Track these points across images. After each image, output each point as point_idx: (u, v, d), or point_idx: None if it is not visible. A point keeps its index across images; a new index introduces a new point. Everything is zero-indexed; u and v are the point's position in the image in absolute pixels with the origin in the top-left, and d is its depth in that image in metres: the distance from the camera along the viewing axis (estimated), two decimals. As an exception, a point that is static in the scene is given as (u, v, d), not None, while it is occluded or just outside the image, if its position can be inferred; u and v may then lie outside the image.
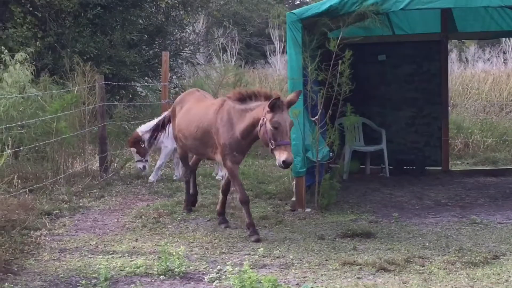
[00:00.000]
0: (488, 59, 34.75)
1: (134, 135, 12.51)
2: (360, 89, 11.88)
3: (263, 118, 8.40)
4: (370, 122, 14.07)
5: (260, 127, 8.46)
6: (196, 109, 9.62)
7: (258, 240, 8.69)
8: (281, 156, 8.18)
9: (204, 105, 9.56)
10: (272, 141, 8.26)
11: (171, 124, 10.91)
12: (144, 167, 12.57)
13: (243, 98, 8.80)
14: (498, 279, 7.12)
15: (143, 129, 12.43)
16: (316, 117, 10.64)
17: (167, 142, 12.52)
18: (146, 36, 19.70)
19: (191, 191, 10.44)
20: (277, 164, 8.34)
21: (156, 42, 20.78)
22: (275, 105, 8.28)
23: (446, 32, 14.17)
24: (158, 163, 12.88)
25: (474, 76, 25.38)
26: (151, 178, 12.68)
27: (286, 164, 8.26)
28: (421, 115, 14.45)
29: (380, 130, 13.97)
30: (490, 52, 36.67)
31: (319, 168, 10.71)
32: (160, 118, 12.09)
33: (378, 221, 9.88)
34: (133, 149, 12.48)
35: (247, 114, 8.70)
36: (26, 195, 10.45)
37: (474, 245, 8.51)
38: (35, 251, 8.39)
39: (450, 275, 7.30)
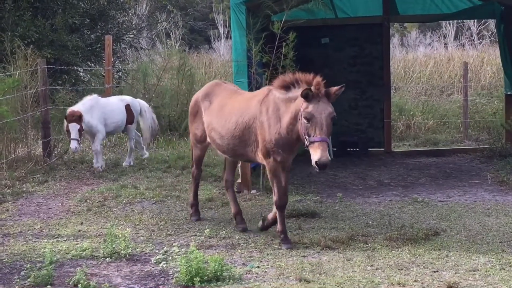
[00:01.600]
0: (429, 44, 35.33)
1: (76, 111, 11.66)
2: (304, 71, 11.92)
3: (301, 109, 7.28)
4: (313, 104, 14.18)
5: (298, 120, 7.36)
6: (233, 103, 8.27)
7: (290, 249, 7.62)
8: (313, 155, 7.05)
9: (243, 98, 8.29)
10: (306, 137, 7.15)
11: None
12: (76, 148, 11.67)
13: (287, 86, 7.57)
14: (438, 255, 7.31)
15: (82, 108, 11.87)
16: (261, 99, 10.68)
17: (100, 127, 12.14)
18: (88, 20, 19.49)
19: (233, 209, 8.78)
20: (313, 165, 7.11)
21: (99, 26, 20.56)
22: (308, 95, 7.16)
23: (388, 15, 14.36)
24: (96, 147, 12.21)
25: (415, 60, 25.78)
26: (98, 164, 12.23)
27: (319, 166, 7.03)
28: (364, 97, 14.64)
29: (324, 113, 14.09)
30: (431, 36, 37.27)
31: (264, 150, 10.76)
32: (90, 97, 12.19)
33: (322, 201, 10.02)
34: (75, 125, 11.54)
35: (291, 105, 7.49)
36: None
37: (416, 222, 8.70)
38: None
39: (393, 251, 7.47)
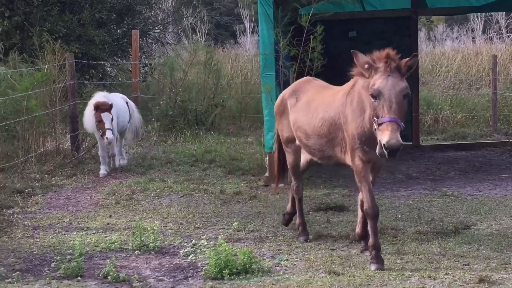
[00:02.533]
0: (457, 38, 35.07)
1: (106, 101, 11.30)
2: (332, 65, 11.92)
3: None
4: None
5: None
6: (320, 98, 7.40)
7: (380, 269, 6.54)
8: (381, 137, 6.01)
9: (331, 92, 7.38)
10: (375, 118, 6.17)
11: None
12: (113, 138, 11.23)
13: (366, 70, 6.48)
14: (469, 248, 7.25)
15: (109, 99, 11.57)
16: (289, 92, 10.65)
17: (114, 127, 11.53)
18: (114, 15, 19.56)
19: (290, 209, 8.21)
20: (377, 152, 6.13)
21: (125, 21, 20.62)
22: (373, 67, 6.32)
23: (416, 7, 14.26)
24: (114, 151, 11.91)
25: (443, 54, 25.59)
26: (121, 163, 11.96)
27: (389, 150, 5.94)
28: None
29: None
30: (458, 30, 36.99)
31: (291, 143, 10.73)
32: (101, 94, 11.81)
33: (350, 195, 9.96)
34: (108, 115, 11.11)
35: None
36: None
37: (445, 216, 8.64)
38: (8, 229, 8.36)
39: (423, 245, 7.42)
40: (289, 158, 8.02)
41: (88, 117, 11.48)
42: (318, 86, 7.77)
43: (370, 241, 6.72)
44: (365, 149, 6.62)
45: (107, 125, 11.02)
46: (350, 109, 6.75)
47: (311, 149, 7.44)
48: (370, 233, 6.75)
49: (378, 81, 6.19)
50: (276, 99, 10.45)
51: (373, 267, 6.57)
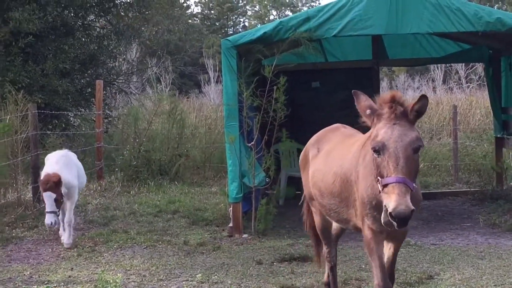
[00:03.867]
0: (418, 87, 35.68)
1: (52, 176, 9.39)
2: (295, 115, 12.04)
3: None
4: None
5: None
6: (338, 150, 6.38)
7: None
8: (387, 202, 4.89)
9: (349, 143, 6.28)
10: (378, 178, 5.08)
11: None
12: (56, 222, 9.40)
13: (368, 118, 5.51)
14: (433, 298, 7.26)
15: (58, 168, 9.63)
16: (252, 142, 10.71)
17: (76, 188, 10.10)
18: (78, 65, 19.52)
19: (326, 278, 7.22)
20: (382, 221, 5.01)
21: (89, 71, 20.60)
22: (376, 113, 5.34)
23: (377, 59, 14.46)
24: (70, 218, 9.94)
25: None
26: (67, 241, 9.88)
27: (396, 219, 4.81)
28: (354, 141, 14.64)
29: (315, 156, 14.07)
30: (419, 80, 37.66)
31: (255, 193, 10.75)
32: (62, 152, 10.36)
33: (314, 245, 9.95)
34: (51, 195, 9.31)
35: None
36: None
37: (409, 266, 8.66)
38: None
39: (387, 295, 7.40)
40: (316, 219, 6.98)
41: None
42: (342, 135, 6.69)
43: None
44: (375, 216, 5.42)
45: (47, 207, 9.31)
46: (362, 165, 5.66)
47: (326, 209, 6.40)
48: None
49: (382, 131, 5.14)
50: (240, 150, 10.53)
51: None
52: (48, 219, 9.26)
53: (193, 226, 11.29)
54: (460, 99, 26.02)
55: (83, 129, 19.50)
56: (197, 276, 8.23)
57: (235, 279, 8.24)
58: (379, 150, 5.08)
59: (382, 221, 4.98)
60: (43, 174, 9.65)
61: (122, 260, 9.21)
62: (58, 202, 9.40)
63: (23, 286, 8.06)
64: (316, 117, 14.48)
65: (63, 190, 9.55)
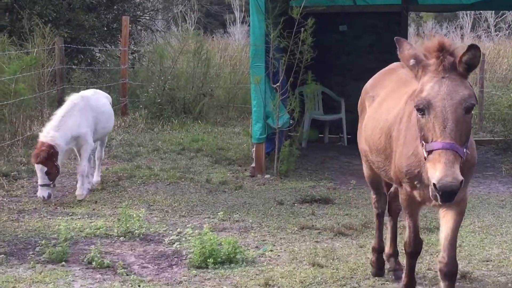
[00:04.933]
0: (445, 34, 35.17)
1: (45, 146, 8.57)
2: (321, 58, 11.95)
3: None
4: (330, 91, 14.16)
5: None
6: (388, 100, 5.62)
7: None
8: (431, 172, 4.28)
9: (400, 93, 5.41)
10: (422, 142, 4.45)
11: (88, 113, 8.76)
12: (49, 195, 8.64)
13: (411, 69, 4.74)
14: (452, 244, 7.30)
15: (54, 133, 8.72)
16: (278, 84, 10.70)
17: (89, 136, 9.22)
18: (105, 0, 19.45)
19: (378, 243, 6.42)
20: (430, 194, 4.38)
21: (115, 7, 20.52)
22: (421, 64, 4.60)
23: (406, 3, 14.29)
24: (83, 168, 9.15)
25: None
26: (78, 192, 9.09)
27: (440, 191, 4.19)
28: (379, 86, 14.57)
29: (340, 100, 14.07)
30: (447, 27, 37.13)
31: (279, 135, 10.79)
32: (75, 99, 9.22)
33: (336, 188, 10.01)
34: (41, 167, 8.53)
35: None
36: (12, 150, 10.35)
37: (430, 212, 8.68)
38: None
39: (406, 240, 7.46)
40: (364, 169, 6.38)
41: None
42: (397, 81, 5.75)
43: (404, 280, 5.51)
44: (416, 185, 4.94)
45: (39, 180, 8.61)
46: (405, 123, 5.00)
47: (375, 167, 5.82)
48: (405, 270, 5.53)
49: (427, 86, 4.43)
50: (265, 91, 10.52)
51: None
52: (40, 192, 8.58)
53: (216, 165, 11.37)
54: (487, 47, 25.66)
55: (108, 65, 19.56)
56: (218, 213, 8.33)
57: (256, 218, 8.33)
58: (423, 108, 4.38)
59: (430, 194, 4.35)
60: (40, 138, 8.75)
61: (145, 196, 9.33)
62: (52, 174, 8.58)
63: (48, 217, 8.21)
64: (343, 60, 14.44)
65: (66, 151, 8.94)
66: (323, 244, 7.32)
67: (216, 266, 6.48)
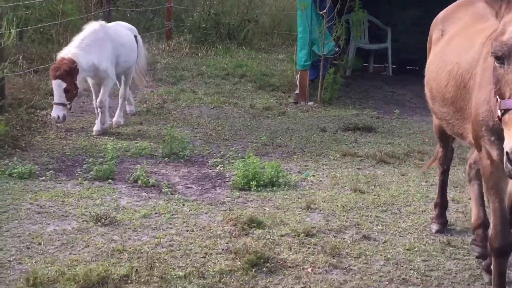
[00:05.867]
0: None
1: (66, 60, 7.88)
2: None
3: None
4: (376, 20, 13.95)
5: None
6: (460, 38, 4.76)
7: None
8: (506, 136, 3.46)
9: (476, 30, 4.54)
10: (497, 97, 3.62)
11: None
12: (64, 117, 7.94)
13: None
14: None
15: (76, 50, 8.08)
16: (324, 10, 10.57)
17: (110, 70, 8.54)
18: None
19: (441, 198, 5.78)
20: (505, 168, 3.50)
21: None
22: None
23: None
24: (104, 102, 8.51)
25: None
26: (96, 128, 8.53)
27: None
28: (428, 15, 14.16)
29: (386, 29, 13.88)
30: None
31: (324, 62, 10.74)
32: (95, 26, 8.54)
33: (379, 117, 10.00)
34: (60, 83, 7.83)
35: None
36: (31, 76, 10.49)
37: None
38: (41, 129, 8.53)
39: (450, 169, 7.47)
40: (435, 120, 5.49)
41: None
42: (474, 15, 4.84)
43: (493, 278, 4.39)
44: (494, 141, 4.00)
45: (55, 98, 7.91)
46: (482, 67, 4.14)
47: (438, 117, 5.03)
48: (493, 270, 4.37)
49: (510, 28, 3.54)
50: (311, 17, 10.43)
51: None
52: (55, 112, 7.86)
53: (259, 91, 11.39)
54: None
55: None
56: (261, 138, 8.42)
57: (298, 143, 8.39)
58: (502, 56, 3.52)
59: (505, 171, 3.52)
60: (60, 55, 8.11)
61: (189, 118, 9.44)
62: (70, 93, 7.89)
63: (95, 136, 8.37)
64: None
65: (85, 76, 8.28)
66: (365, 171, 7.37)
67: (259, 188, 6.60)
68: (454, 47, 4.70)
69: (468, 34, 4.59)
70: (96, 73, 8.39)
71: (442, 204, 5.75)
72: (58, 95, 7.84)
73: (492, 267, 4.33)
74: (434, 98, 4.87)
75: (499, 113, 3.55)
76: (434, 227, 5.70)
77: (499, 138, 3.79)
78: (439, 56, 4.88)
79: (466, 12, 4.98)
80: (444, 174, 5.76)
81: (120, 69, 8.87)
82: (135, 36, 9.36)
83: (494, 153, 4.01)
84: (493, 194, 4.13)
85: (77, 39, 8.31)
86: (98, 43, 8.33)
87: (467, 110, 4.34)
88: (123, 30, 9.16)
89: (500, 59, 3.54)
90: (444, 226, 5.70)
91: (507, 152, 3.39)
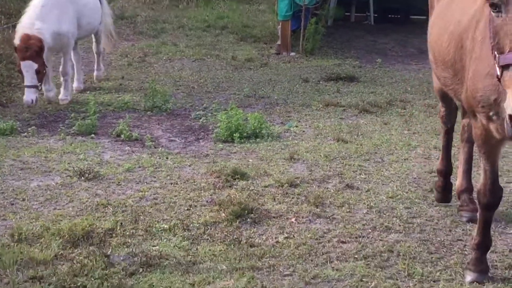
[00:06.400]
0: None
1: (34, 39, 7.19)
2: None
3: None
4: (357, -32, 13.84)
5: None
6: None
7: (478, 281, 4.13)
8: (507, 97, 3.15)
9: None
10: (495, 53, 3.30)
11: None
12: (36, 99, 7.25)
13: None
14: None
15: (41, 24, 7.34)
16: (304, -41, 10.48)
17: (72, 32, 7.84)
18: None
19: (440, 165, 5.30)
20: (506, 131, 3.27)
21: None
22: None
23: None
24: (67, 69, 7.93)
25: None
26: (62, 96, 7.93)
27: None
28: (409, -36, 14.18)
29: (367, -23, 13.77)
30: None
31: (305, 12, 10.66)
32: None
33: (361, 66, 9.99)
34: (31, 64, 7.15)
35: None
36: (10, 31, 10.33)
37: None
38: (21, 85, 8.42)
39: (430, 117, 7.50)
40: (433, 77, 5.14)
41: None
42: None
43: (476, 238, 4.21)
44: (492, 117, 3.72)
45: (26, 80, 7.20)
46: (483, 29, 3.68)
47: (441, 82, 4.65)
48: (478, 226, 4.23)
49: None
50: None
51: (468, 277, 4.15)
52: (28, 96, 7.17)
53: (241, 42, 11.33)
54: None
55: None
56: (244, 90, 8.39)
57: (281, 94, 8.38)
58: (499, 3, 3.19)
59: (506, 133, 3.29)
60: (20, 25, 7.43)
61: (171, 72, 9.39)
62: (41, 73, 7.27)
63: (76, 92, 8.31)
64: None
65: (49, 48, 7.48)
66: (348, 121, 7.38)
67: (242, 140, 6.59)
68: (457, 4, 4.30)
69: None
70: (58, 40, 7.63)
71: (446, 170, 5.21)
72: (30, 77, 7.15)
73: (478, 216, 4.20)
74: (437, 62, 4.51)
75: (498, 71, 3.21)
76: (437, 196, 5.23)
77: (498, 114, 3.59)
78: (442, 16, 4.50)
79: None
80: (448, 134, 5.24)
81: (83, 32, 8.22)
82: None
83: (492, 126, 3.74)
84: (486, 159, 3.98)
85: (36, 5, 7.48)
86: (58, 8, 7.59)
87: (464, 73, 3.99)
88: None
89: (496, 6, 3.21)
90: (446, 195, 5.21)
91: (510, 115, 3.09)
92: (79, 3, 8.03)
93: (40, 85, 7.36)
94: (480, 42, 3.68)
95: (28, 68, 7.11)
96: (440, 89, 4.99)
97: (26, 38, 7.14)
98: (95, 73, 8.83)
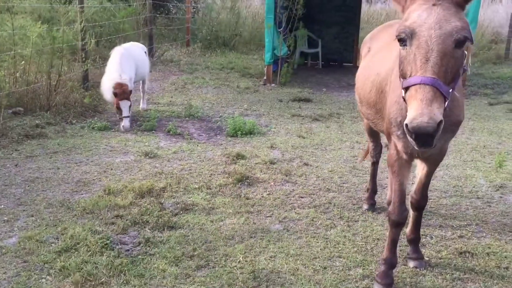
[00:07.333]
0: (384, 1, 33.53)
1: (124, 86, 6.71)
2: (308, 13, 11.58)
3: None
4: (312, 34, 13.76)
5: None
6: (381, 53, 3.64)
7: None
8: (409, 110, 2.35)
9: (394, 45, 2.96)
10: (400, 79, 2.56)
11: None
12: (131, 125, 6.83)
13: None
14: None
15: (125, 76, 6.84)
16: (281, 29, 10.42)
17: (131, 83, 7.00)
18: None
19: (372, 185, 4.48)
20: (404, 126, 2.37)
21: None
22: None
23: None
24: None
25: (374, 12, 24.68)
26: (143, 106, 7.90)
27: (414, 134, 2.30)
28: (343, 32, 14.12)
29: (318, 40, 13.70)
30: (387, -4, 35.25)
31: (281, 60, 10.61)
32: (122, 49, 7.21)
33: (314, 93, 9.92)
34: (126, 102, 6.68)
35: None
36: (104, 69, 10.21)
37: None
38: (111, 104, 8.32)
39: (354, 124, 7.47)
40: (364, 120, 4.19)
41: (105, 88, 7.00)
42: (394, 34, 2.83)
43: (384, 254, 3.29)
44: (400, 136, 2.96)
45: (124, 113, 6.70)
46: (395, 73, 2.94)
47: (365, 117, 3.84)
48: (387, 240, 3.29)
49: (414, 14, 2.48)
50: (273, 33, 10.26)
51: (376, 286, 3.18)
52: (126, 123, 6.66)
53: (243, 77, 11.24)
54: None
55: (178, 15, 18.98)
56: (244, 106, 8.34)
57: (266, 109, 8.33)
58: (405, 38, 2.46)
59: (409, 141, 2.44)
60: (110, 76, 6.86)
61: (201, 94, 9.31)
62: (131, 107, 6.86)
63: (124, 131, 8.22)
64: (320, 16, 13.92)
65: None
66: (305, 125, 7.34)
67: (242, 136, 6.56)
68: (376, 60, 3.60)
69: (387, 50, 3.49)
70: (131, 84, 7.23)
71: (372, 189, 4.45)
72: (127, 111, 6.68)
73: (388, 234, 3.27)
74: (362, 102, 3.73)
75: (403, 93, 2.48)
76: (365, 206, 4.38)
77: (404, 133, 2.84)
78: (366, 68, 3.75)
79: (388, 32, 3.81)
80: (375, 165, 4.45)
81: (138, 78, 7.53)
82: (145, 52, 7.97)
83: (400, 145, 3.00)
84: (395, 178, 3.08)
85: (115, 63, 6.94)
86: (127, 62, 7.07)
87: (384, 111, 3.22)
88: (137, 49, 7.74)
89: (403, 41, 2.47)
90: (372, 206, 4.38)
91: (406, 124, 2.32)
92: (136, 58, 7.36)
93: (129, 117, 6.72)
94: (393, 80, 3.02)
95: (125, 104, 6.65)
96: (368, 125, 4.16)
97: (120, 85, 6.67)
98: (141, 106, 7.95)
